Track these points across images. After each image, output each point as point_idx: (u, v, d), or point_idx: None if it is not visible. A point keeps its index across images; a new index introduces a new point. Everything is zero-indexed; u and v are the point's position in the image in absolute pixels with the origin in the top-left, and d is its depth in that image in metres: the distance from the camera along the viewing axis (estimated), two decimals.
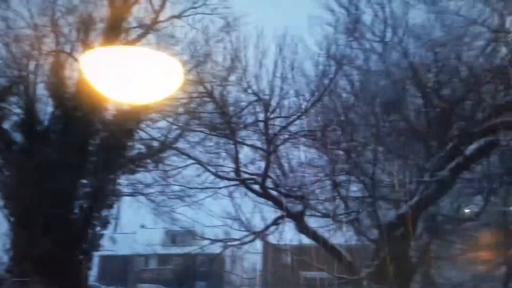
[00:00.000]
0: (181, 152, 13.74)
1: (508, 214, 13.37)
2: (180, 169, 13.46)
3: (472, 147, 10.52)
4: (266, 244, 15.61)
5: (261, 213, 13.75)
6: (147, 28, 12.90)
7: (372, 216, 12.43)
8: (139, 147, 15.49)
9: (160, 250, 38.32)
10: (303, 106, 12.73)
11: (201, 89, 12.94)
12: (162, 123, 14.19)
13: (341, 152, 12.35)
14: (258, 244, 15.37)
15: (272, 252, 17.85)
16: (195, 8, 12.73)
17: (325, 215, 13.25)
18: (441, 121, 10.71)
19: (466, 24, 9.76)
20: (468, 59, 10.13)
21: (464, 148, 10.52)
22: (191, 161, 13.21)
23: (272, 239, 14.07)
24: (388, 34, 10.75)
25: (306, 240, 13.57)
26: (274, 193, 13.40)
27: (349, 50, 11.40)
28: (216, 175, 13.02)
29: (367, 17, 10.99)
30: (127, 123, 14.32)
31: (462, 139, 10.49)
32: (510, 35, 9.59)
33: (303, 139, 13.21)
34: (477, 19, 9.62)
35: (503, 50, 9.89)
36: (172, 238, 38.58)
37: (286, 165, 13.59)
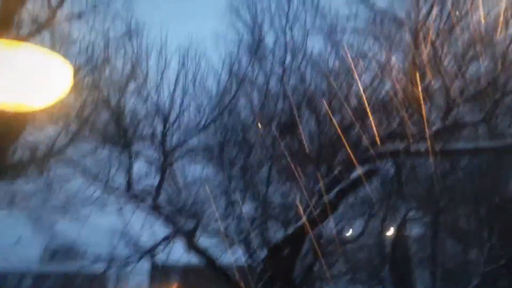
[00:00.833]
0: (68, 161, 12.98)
1: (385, 237, 14.33)
2: (65, 180, 12.69)
3: (356, 172, 11.17)
4: (154, 264, 15.20)
5: (151, 230, 13.39)
6: (41, 25, 12.16)
7: (262, 236, 12.69)
8: (22, 153, 14.40)
9: (37, 268, 35.53)
10: (202, 122, 12.72)
11: (96, 95, 12.43)
12: (51, 129, 13.32)
13: (237, 171, 12.50)
14: (146, 263, 14.89)
15: (160, 272, 17.44)
16: (96, 10, 12.25)
17: (216, 234, 13.26)
18: (331, 147, 11.27)
19: (358, 57, 10.45)
20: (357, 90, 10.84)
21: (348, 174, 11.15)
22: (78, 171, 12.52)
23: (161, 258, 13.74)
24: (288, 59, 11.18)
25: (196, 260, 13.43)
26: (166, 209, 13.16)
27: (251, 70, 11.65)
28: (105, 188, 12.48)
29: (270, 39, 11.35)
30: (10, 125, 13.26)
31: (348, 165, 11.13)
32: (393, 71, 10.41)
33: (200, 155, 13.17)
34: (367, 52, 10.33)
35: (390, 83, 10.72)
36: (52, 254, 35.91)
37: (181, 181, 13.43)
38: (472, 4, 9.87)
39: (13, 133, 13.45)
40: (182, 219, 13.04)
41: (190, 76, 12.28)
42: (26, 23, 12.29)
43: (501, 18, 9.96)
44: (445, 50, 10.35)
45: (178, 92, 12.52)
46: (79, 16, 11.95)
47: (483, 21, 9.89)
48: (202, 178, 13.35)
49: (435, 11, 10.03)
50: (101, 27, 11.96)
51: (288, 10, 11.02)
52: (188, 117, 12.80)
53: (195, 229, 12.81)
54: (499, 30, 10.04)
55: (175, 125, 13.05)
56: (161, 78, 12.54)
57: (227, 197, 13.02)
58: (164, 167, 13.07)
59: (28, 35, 12.52)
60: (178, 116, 12.92)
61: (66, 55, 11.80)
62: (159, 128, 13.12)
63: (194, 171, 13.39)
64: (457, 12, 9.89)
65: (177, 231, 13.03)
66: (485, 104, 10.16)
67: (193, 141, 13.26)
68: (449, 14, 10.02)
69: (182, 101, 12.66)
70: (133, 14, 12.25)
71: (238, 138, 12.29)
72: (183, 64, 12.23)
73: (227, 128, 12.52)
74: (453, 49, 10.44)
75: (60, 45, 12.12)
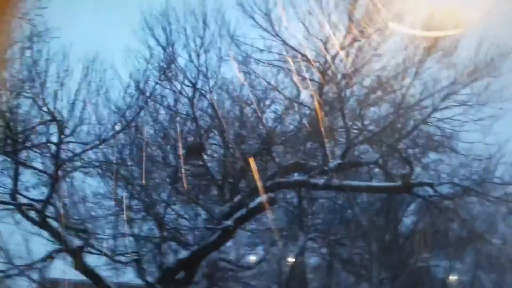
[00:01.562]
0: None
1: (283, 264, 14.60)
2: None
3: (257, 200, 11.33)
4: (32, 280, 14.10)
5: (33, 244, 12.43)
6: None
7: (157, 258, 12.34)
8: None
9: None
10: (103, 136, 12.14)
11: None
12: None
13: (137, 189, 12.08)
14: (24, 279, 13.75)
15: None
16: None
17: (105, 253, 12.64)
18: (235, 173, 11.33)
19: (268, 88, 10.70)
20: (266, 120, 11.07)
21: (249, 201, 11.28)
22: None
23: (44, 274, 12.79)
24: (199, 82, 11.11)
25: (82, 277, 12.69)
26: (54, 223, 12.30)
27: (160, 88, 11.40)
28: None
29: (181, 60, 11.21)
30: None
31: (250, 192, 11.26)
32: (301, 106, 10.78)
33: (98, 170, 12.54)
34: (277, 86, 10.61)
35: (297, 117, 11.08)
36: None
37: (74, 195, 12.66)
38: (375, 51, 10.55)
39: None
40: (71, 235, 12.26)
41: (93, 87, 11.67)
42: None
43: (401, 67, 10.78)
44: (348, 92, 10.92)
45: (79, 102, 11.84)
46: None
47: (384, 69, 10.63)
48: (97, 194, 12.70)
49: (342, 54, 10.57)
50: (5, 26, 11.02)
51: (204, 35, 11.01)
52: (88, 129, 12.13)
53: (83, 246, 12.11)
54: (398, 78, 10.83)
55: (72, 136, 12.30)
56: (61, 86, 11.79)
57: (122, 215, 12.50)
58: (55, 179, 12.24)
59: None
60: (76, 127, 12.19)
61: None
62: (54, 138, 12.31)
63: (90, 185, 12.70)
64: (362, 58, 10.50)
65: (64, 247, 12.24)
66: (381, 146, 10.84)
67: (91, 154, 12.59)
68: (354, 58, 10.62)
69: (82, 112, 11.98)
70: (42, 16, 11.48)
71: (140, 155, 11.87)
72: (86, 74, 11.61)
73: (129, 144, 12.05)
74: (356, 91, 11.06)
75: None
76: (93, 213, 12.63)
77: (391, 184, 11.00)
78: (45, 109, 12.07)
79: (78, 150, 12.42)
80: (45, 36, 11.89)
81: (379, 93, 11.06)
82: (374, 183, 11.49)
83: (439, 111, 11.25)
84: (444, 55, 10.43)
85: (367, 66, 10.74)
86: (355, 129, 11.24)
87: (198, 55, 10.94)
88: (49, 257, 12.42)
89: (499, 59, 10.55)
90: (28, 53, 11.45)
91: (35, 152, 12.42)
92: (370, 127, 11.35)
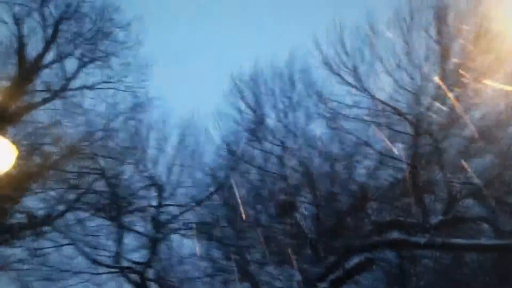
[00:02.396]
0: (62, 230, 12.60)
1: None
2: (53, 248, 12.26)
3: (353, 261, 10.78)
4: None
5: None
6: (54, 94, 12.34)
7: None
8: (19, 217, 14.07)
9: None
10: (198, 197, 12.50)
11: (94, 165, 12.31)
12: (48, 195, 13.07)
13: (231, 249, 12.10)
14: None
15: None
16: (109, 82, 12.48)
17: None
18: (329, 232, 10.96)
19: (358, 144, 10.42)
20: (359, 176, 10.70)
21: (345, 261, 10.77)
22: (67, 240, 12.12)
23: None
24: (289, 141, 11.14)
25: None
26: (153, 286, 12.61)
27: (251, 149, 11.58)
28: (93, 259, 12.02)
29: (270, 121, 11.39)
30: (10, 189, 13.06)
31: (345, 252, 10.76)
32: (395, 160, 10.31)
33: (194, 231, 12.81)
34: (368, 141, 10.30)
35: (389, 172, 10.58)
36: None
37: (173, 257, 12.98)
38: (473, 100, 9.94)
39: (13, 196, 13.22)
40: None
41: (188, 151, 12.20)
42: (39, 92, 12.51)
43: (504, 115, 10.01)
44: (446, 143, 10.29)
45: (176, 166, 12.40)
46: (92, 87, 12.16)
47: (484, 118, 9.93)
48: (194, 255, 12.88)
49: (436, 105, 10.08)
50: (112, 99, 12.12)
51: (291, 95, 11.15)
52: (184, 191, 12.58)
53: None
54: (501, 126, 10.04)
55: (171, 198, 12.82)
56: (160, 151, 12.48)
57: (219, 275, 12.51)
58: (156, 241, 12.69)
59: (40, 102, 12.71)
60: (174, 190, 12.71)
61: (73, 124, 11.87)
62: (154, 201, 12.89)
63: (186, 246, 12.95)
64: (458, 108, 9.92)
65: None
66: (488, 200, 9.95)
67: (187, 216, 12.96)
68: (450, 108, 10.06)
69: (179, 176, 12.51)
70: (142, 89, 12.44)
71: (233, 216, 11.97)
72: (182, 139, 12.20)
73: (223, 205, 12.24)
74: (454, 143, 10.39)
75: (70, 113, 12.24)
76: (190, 275, 12.80)
77: (504, 241, 9.94)
78: (146, 174, 12.79)
79: (176, 213, 12.90)
80: (146, 106, 12.84)
81: (481, 143, 10.27)
82: (484, 241, 10.45)
83: None
84: None
85: (465, 116, 10.10)
86: (457, 182, 10.45)
87: (286, 115, 11.07)
88: None
89: None
90: (131, 123, 12.37)
91: (137, 216, 13.06)
92: (474, 180, 10.49)
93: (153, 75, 12.74)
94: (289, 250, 11.38)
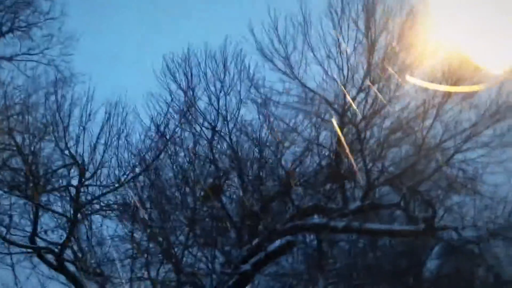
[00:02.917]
0: None
1: None
2: None
3: (275, 244, 11.16)
4: None
5: None
6: None
7: None
8: None
9: None
10: (122, 179, 12.20)
11: (10, 140, 11.65)
12: None
13: (155, 232, 12.00)
14: None
15: None
16: (29, 54, 11.77)
17: None
18: (253, 216, 11.23)
19: (287, 130, 10.74)
20: (285, 162, 11.03)
21: (268, 244, 11.12)
22: None
23: None
24: (219, 124, 11.22)
25: None
26: (71, 267, 12.21)
27: (180, 131, 11.52)
28: (5, 239, 11.44)
29: (202, 104, 11.38)
30: None
31: (268, 235, 11.11)
32: (320, 147, 10.75)
33: (117, 213, 12.54)
34: (296, 128, 10.65)
35: (315, 159, 11.03)
36: None
37: (92, 238, 12.61)
38: (395, 93, 10.58)
39: None
40: (87, 279, 12.14)
41: (114, 131, 11.85)
42: None
43: (421, 109, 10.75)
44: (368, 133, 10.88)
45: (100, 145, 12.00)
46: (10, 59, 11.46)
47: (404, 110, 10.60)
48: (115, 237, 12.62)
49: (361, 96, 10.63)
50: (32, 72, 11.48)
51: (224, 79, 11.21)
52: (108, 172, 12.22)
53: None
54: (419, 119, 10.78)
55: (92, 179, 12.40)
56: (84, 130, 12.00)
57: (141, 257, 12.37)
58: (74, 222, 12.28)
59: None
60: (96, 170, 12.30)
61: None
62: (75, 181, 12.42)
63: (108, 228, 12.65)
64: (381, 100, 10.52)
65: None
66: (402, 189, 10.67)
67: (110, 197, 12.63)
68: (374, 100, 10.65)
69: (103, 155, 12.12)
70: (66, 63, 11.89)
71: (159, 198, 11.87)
72: (108, 118, 11.82)
73: (148, 187, 12.08)
74: (376, 133, 11.01)
75: None
76: (110, 257, 12.55)
77: (414, 227, 10.74)
78: (67, 152, 12.27)
79: (97, 193, 12.52)
80: (70, 81, 12.30)
81: (399, 134, 10.98)
82: (396, 226, 11.22)
83: (462, 153, 11.09)
84: (465, 97, 10.39)
85: (386, 108, 10.74)
86: (376, 171, 11.12)
87: (218, 98, 11.12)
88: None
89: None
90: (52, 98, 11.79)
91: (55, 195, 12.55)
92: (391, 169, 11.21)
93: (78, 49, 12.25)
94: (214, 233, 11.53)
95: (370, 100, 10.72)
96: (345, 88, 10.76)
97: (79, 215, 12.30)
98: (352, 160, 10.78)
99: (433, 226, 10.76)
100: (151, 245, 12.11)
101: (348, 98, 10.62)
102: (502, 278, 11.66)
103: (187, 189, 11.64)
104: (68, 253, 12.14)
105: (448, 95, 10.30)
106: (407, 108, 10.71)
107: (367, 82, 10.53)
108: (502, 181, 11.07)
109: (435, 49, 10.04)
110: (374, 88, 10.68)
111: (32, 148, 12.16)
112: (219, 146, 11.45)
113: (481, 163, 11.05)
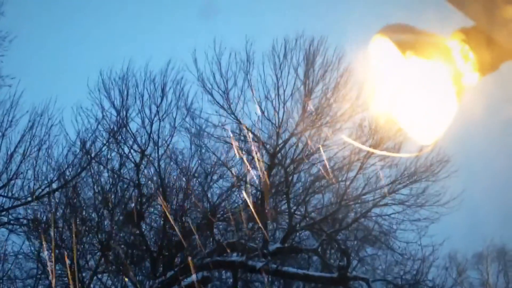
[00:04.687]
0: None
1: None
2: None
3: (190, 278, 10.92)
4: None
5: None
6: None
7: None
8: None
9: None
10: (37, 193, 11.55)
11: None
12: None
13: (64, 253, 11.35)
14: None
15: None
16: None
17: None
18: (172, 247, 10.98)
19: (217, 164, 10.76)
20: (212, 195, 10.99)
21: (183, 278, 10.85)
22: None
23: None
24: (149, 149, 11.00)
25: None
26: None
27: (107, 150, 11.16)
28: None
29: (133, 126, 11.13)
30: None
31: (184, 268, 10.87)
32: (248, 185, 10.82)
33: (25, 228, 11.78)
34: (227, 162, 10.70)
35: (241, 196, 11.07)
36: None
37: None
38: (324, 141, 10.98)
39: None
40: None
41: (35, 142, 11.28)
42: None
43: (347, 161, 11.19)
44: (295, 177, 11.13)
45: (18, 156, 11.35)
46: None
47: (331, 159, 10.98)
48: (20, 254, 11.81)
49: (293, 140, 10.92)
50: None
51: (160, 103, 11.08)
52: (22, 184, 11.52)
53: None
54: (343, 170, 11.20)
55: (3, 189, 11.64)
56: (2, 136, 11.34)
57: (46, 278, 11.62)
58: None
59: None
60: (9, 180, 11.58)
61: None
62: None
63: (13, 244, 11.82)
64: (311, 147, 10.87)
65: None
66: (322, 235, 10.91)
67: (21, 210, 11.89)
68: (304, 146, 10.97)
69: (19, 166, 11.45)
70: None
71: (73, 218, 11.30)
72: (31, 127, 11.26)
73: (64, 205, 11.48)
74: (302, 178, 11.30)
75: None
76: (12, 274, 11.69)
77: (328, 274, 10.96)
78: None
79: (7, 205, 11.74)
80: None
81: (324, 182, 11.33)
82: (311, 272, 11.41)
83: (379, 207, 11.60)
84: (387, 156, 11.01)
85: (315, 155, 11.08)
86: (298, 214, 11.33)
87: (151, 122, 10.93)
88: None
89: (438, 165, 11.20)
90: None
91: None
92: (313, 215, 11.47)
93: (10, 51, 11.66)
94: (127, 261, 11.10)
95: (300, 146, 11.02)
96: (278, 130, 11.02)
97: None
98: (277, 202, 10.95)
99: (346, 276, 11.03)
100: (57, 267, 11.44)
101: (280, 140, 10.87)
102: None
103: (106, 212, 11.19)
104: None
105: (371, 154, 10.83)
106: (334, 158, 11.13)
107: (300, 128, 10.85)
108: (413, 239, 11.69)
109: (365, 106, 10.60)
110: (305, 135, 11.02)
111: None
112: (146, 171, 11.19)
113: (396, 219, 11.62)
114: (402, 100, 1.60)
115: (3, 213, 11.76)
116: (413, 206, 11.45)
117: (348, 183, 11.21)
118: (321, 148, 11.00)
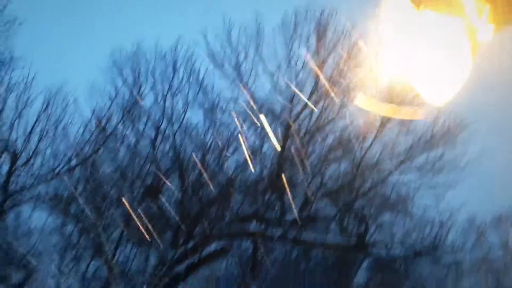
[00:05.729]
0: None
1: None
2: None
3: (210, 248, 11.17)
4: None
5: None
6: None
7: None
8: None
9: None
10: (57, 170, 11.77)
11: None
12: None
13: (87, 226, 11.65)
14: None
15: None
16: None
17: None
18: (191, 218, 11.17)
19: (232, 137, 10.83)
20: (228, 168, 11.09)
21: (203, 248, 11.11)
22: None
23: None
24: (164, 125, 11.09)
25: None
26: None
27: (123, 127, 11.26)
28: None
29: (147, 103, 11.20)
30: None
31: (204, 239, 11.11)
32: (263, 157, 10.88)
33: (48, 204, 12.06)
34: (241, 136, 10.72)
35: (257, 168, 11.17)
36: None
37: (20, 228, 12.06)
38: (339, 112, 10.94)
39: None
40: (12, 270, 11.63)
41: (52, 120, 11.42)
42: None
43: (363, 129, 11.16)
44: (310, 148, 11.15)
45: (36, 134, 11.53)
46: None
47: (346, 129, 10.96)
48: (45, 229, 12.13)
49: (306, 111, 10.90)
50: None
51: (172, 80, 11.10)
52: (41, 161, 11.74)
53: (23, 283, 11.48)
54: (359, 139, 11.18)
55: (25, 167, 11.88)
56: (19, 116, 11.49)
57: (70, 252, 11.95)
58: (3, 210, 11.72)
59: None
60: (29, 159, 11.80)
61: None
62: (5, 168, 11.85)
63: (37, 219, 12.13)
64: (326, 117, 10.85)
65: (4, 283, 11.58)
66: (339, 204, 10.99)
67: (42, 188, 12.14)
68: (319, 116, 10.96)
69: (38, 144, 11.65)
70: (5, 46, 11.36)
71: (94, 193, 11.53)
72: (47, 107, 11.39)
73: (84, 181, 11.70)
74: (318, 148, 11.31)
75: None
76: (38, 248, 12.03)
77: (346, 240, 11.10)
78: None
79: (29, 182, 12.00)
80: (8, 65, 11.71)
81: (339, 151, 11.33)
82: (330, 239, 11.52)
83: (396, 174, 11.59)
84: (403, 121, 10.92)
85: (330, 125, 11.06)
86: (315, 185, 11.37)
87: (164, 99, 10.99)
88: None
89: (454, 130, 11.10)
90: None
91: None
92: (329, 184, 11.51)
93: (20, 33, 11.71)
94: (150, 232, 11.33)
95: (315, 116, 11.00)
96: (292, 102, 10.99)
97: (6, 204, 11.77)
98: (293, 173, 11.00)
99: (365, 242, 11.16)
100: (82, 240, 11.74)
101: (294, 112, 10.86)
102: None
103: (125, 187, 11.37)
104: None
105: (388, 118, 10.76)
106: (349, 127, 11.08)
107: (314, 99, 10.80)
108: (431, 205, 11.67)
109: (380, 73, 10.49)
110: (319, 105, 10.98)
111: None
112: (161, 147, 11.29)
113: (413, 186, 11.59)
114: (416, 59, 1.57)
115: (26, 190, 12.03)
116: (430, 172, 11.41)
117: (364, 151, 11.20)
118: (335, 118, 10.99)
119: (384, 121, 10.94)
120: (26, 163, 11.93)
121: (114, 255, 11.27)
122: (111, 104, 11.22)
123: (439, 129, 11.12)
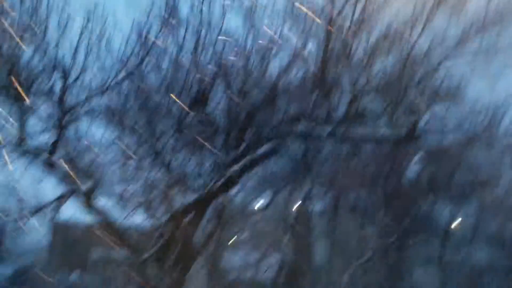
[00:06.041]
0: None
1: (289, 211, 15.04)
2: None
3: (262, 149, 11.49)
4: (48, 222, 14.68)
5: (45, 188, 12.82)
6: None
7: (165, 202, 12.71)
8: None
9: None
10: (106, 84, 12.09)
11: None
12: None
13: (143, 136, 12.22)
14: (38, 221, 14.28)
15: (54, 230, 16.96)
16: None
17: (117, 196, 13.06)
18: (240, 123, 11.40)
19: (273, 40, 10.49)
20: (271, 72, 10.93)
21: (254, 149, 11.46)
22: None
23: (55, 216, 13.28)
24: (203, 32, 10.83)
25: (93, 219, 13.18)
26: (63, 167, 12.57)
27: (162, 38, 11.14)
28: None
29: (184, 11, 10.86)
30: None
31: (255, 141, 11.41)
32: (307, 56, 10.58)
33: (102, 117, 12.61)
34: (282, 38, 10.39)
35: (302, 68, 10.93)
36: None
37: (80, 141, 12.82)
38: (384, 2, 10.19)
39: None
40: (80, 178, 12.59)
41: (95, 36, 11.45)
42: None
43: (411, 17, 10.44)
44: (354, 44, 10.67)
45: (81, 50, 11.68)
46: None
47: (392, 19, 10.28)
48: (103, 141, 12.83)
49: (348, 6, 10.24)
50: None
51: None
52: (90, 77, 12.05)
53: (92, 189, 12.50)
54: (407, 28, 10.53)
55: (76, 83, 12.26)
56: (62, 33, 11.58)
57: (130, 161, 12.71)
58: (62, 125, 12.39)
59: None
60: (79, 75, 12.12)
61: None
62: (58, 85, 12.28)
63: (95, 132, 12.80)
64: (370, 8, 10.17)
65: (73, 190, 12.63)
66: (388, 97, 10.75)
67: (95, 102, 12.60)
68: (362, 8, 10.29)
69: (85, 60, 11.85)
70: None
71: (144, 104, 11.88)
72: (88, 21, 11.35)
73: (133, 93, 12.00)
74: (362, 43, 10.80)
75: None
76: (100, 159, 12.84)
77: (396, 134, 11.02)
78: (47, 56, 11.96)
79: (82, 97, 12.45)
80: None
81: (387, 43, 10.77)
82: (379, 133, 11.47)
83: (448, 60, 11.01)
84: (455, 5, 10.05)
85: (375, 16, 10.38)
86: (362, 80, 11.07)
87: (201, 6, 10.59)
88: (60, 199, 12.83)
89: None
90: (27, 1, 11.17)
91: (40, 99, 12.45)
92: (377, 78, 11.17)
93: None
94: (201, 139, 11.76)
95: (358, 8, 10.32)
96: None
97: (65, 118, 12.39)
98: (338, 69, 10.71)
99: (416, 132, 11.04)
100: (138, 150, 12.38)
101: (336, 6, 10.23)
102: (480, 180, 12.29)
103: (172, 97, 11.58)
104: (57, 155, 12.43)
105: (438, 3, 9.94)
106: (396, 16, 10.38)
107: None
108: (486, 89, 11.17)
109: None
110: None
111: (12, 51, 11.82)
112: (203, 55, 11.17)
113: (466, 71, 11.02)
114: None
115: (80, 104, 12.54)
116: (484, 56, 10.72)
117: (413, 40, 10.58)
118: (381, 7, 10.27)
119: (434, 6, 10.12)
120: (76, 79, 12.29)
121: (170, 162, 11.88)
122: (150, 15, 11.01)
123: (493, 9, 10.19)
